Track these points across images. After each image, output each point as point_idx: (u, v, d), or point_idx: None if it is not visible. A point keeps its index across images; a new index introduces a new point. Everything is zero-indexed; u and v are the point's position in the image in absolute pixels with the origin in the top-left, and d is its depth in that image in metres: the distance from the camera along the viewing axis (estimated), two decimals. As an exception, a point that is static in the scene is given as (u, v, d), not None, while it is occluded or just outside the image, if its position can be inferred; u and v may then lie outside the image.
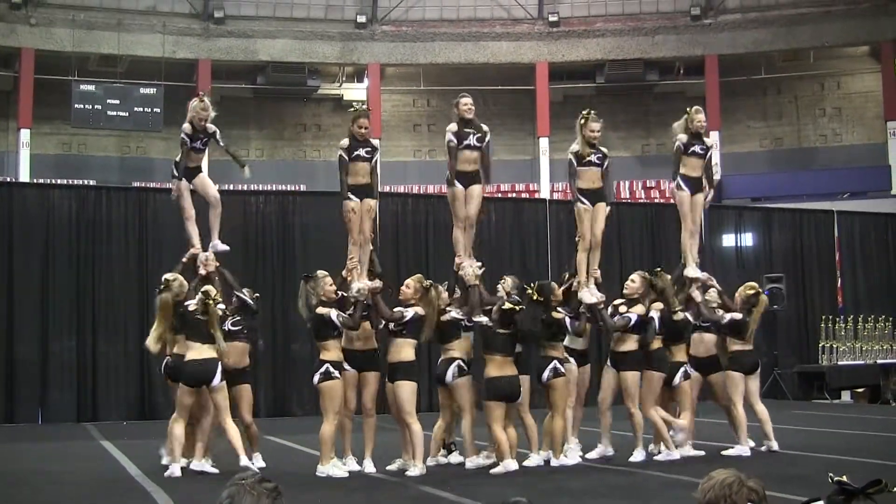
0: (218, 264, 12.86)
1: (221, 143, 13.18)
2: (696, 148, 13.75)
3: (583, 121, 13.27)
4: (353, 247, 12.19)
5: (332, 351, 11.42)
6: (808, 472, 10.48)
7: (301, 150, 45.14)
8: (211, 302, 11.48)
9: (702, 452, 12.69)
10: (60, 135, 41.13)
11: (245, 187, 33.15)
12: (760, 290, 13.89)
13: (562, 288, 12.91)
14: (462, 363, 11.84)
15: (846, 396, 23.69)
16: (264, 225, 22.16)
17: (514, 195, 41.12)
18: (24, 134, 38.94)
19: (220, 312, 11.67)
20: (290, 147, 45.06)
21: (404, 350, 11.56)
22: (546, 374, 11.90)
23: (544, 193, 40.93)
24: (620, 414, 12.82)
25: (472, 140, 13.38)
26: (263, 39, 41.66)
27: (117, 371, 20.53)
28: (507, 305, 11.51)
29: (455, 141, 13.38)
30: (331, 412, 11.28)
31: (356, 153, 12.36)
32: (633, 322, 12.54)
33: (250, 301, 12.83)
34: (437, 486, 10.49)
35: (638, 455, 12.26)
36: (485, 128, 13.59)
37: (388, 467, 11.75)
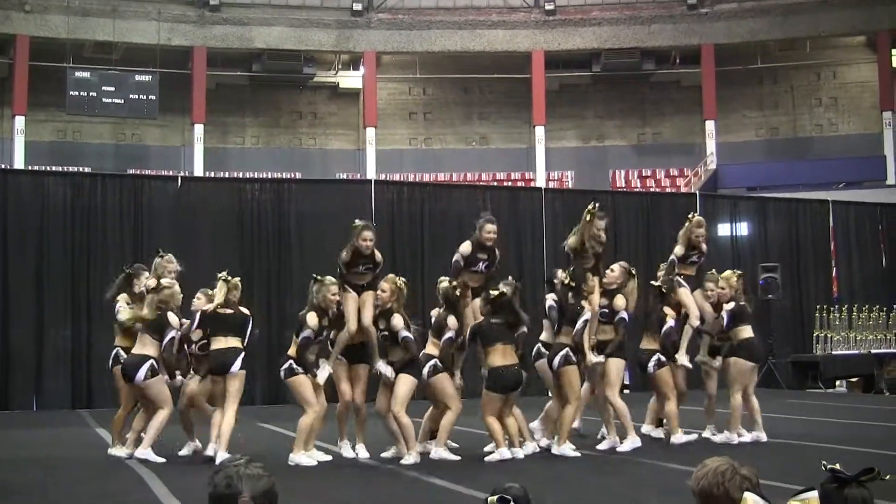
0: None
1: None
2: (693, 258, 13.53)
3: (589, 217, 12.54)
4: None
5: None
6: (802, 461, 10.50)
7: (297, 138, 45.13)
8: (231, 289, 11.56)
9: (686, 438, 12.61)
10: (55, 122, 41.12)
11: (241, 174, 33.14)
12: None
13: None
14: (438, 362, 11.77)
15: (840, 386, 23.72)
16: (259, 212, 22.13)
17: (509, 183, 41.15)
18: (19, 121, 38.94)
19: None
20: (286, 134, 45.06)
21: (395, 352, 11.52)
22: (557, 360, 11.86)
23: (540, 182, 40.99)
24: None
25: (480, 266, 12.24)
26: (259, 27, 41.63)
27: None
28: (493, 293, 11.49)
29: (462, 263, 12.23)
30: (308, 403, 11.29)
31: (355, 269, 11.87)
32: (627, 321, 12.54)
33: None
34: (431, 473, 10.50)
35: (630, 444, 12.21)
36: (497, 253, 12.48)
37: (383, 454, 11.75)
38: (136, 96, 39.23)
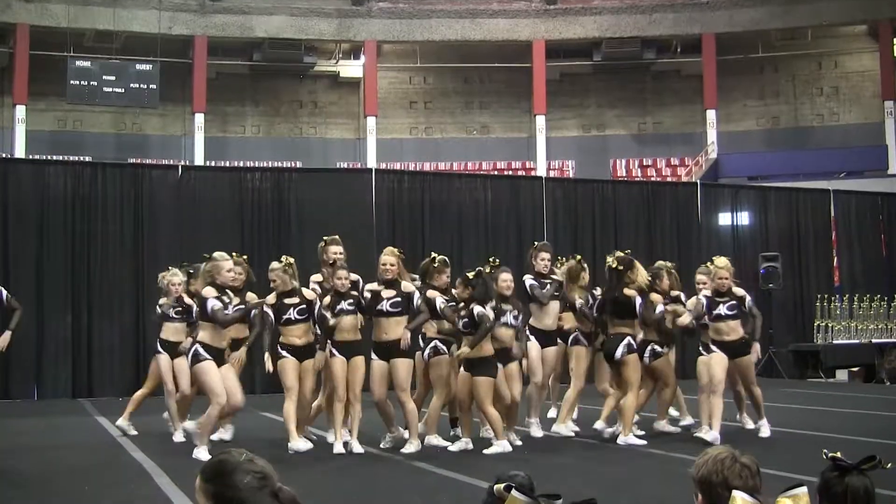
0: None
1: None
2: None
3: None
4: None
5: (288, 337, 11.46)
6: (803, 450, 10.50)
7: (297, 127, 45.10)
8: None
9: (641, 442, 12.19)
10: (56, 111, 41.09)
11: (241, 164, 33.13)
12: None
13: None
14: (439, 343, 11.79)
15: (841, 375, 23.72)
16: (260, 201, 22.12)
17: (510, 173, 41.12)
18: (20, 110, 38.92)
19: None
20: (287, 124, 45.02)
21: (399, 328, 11.42)
22: (620, 350, 11.86)
23: (541, 171, 40.97)
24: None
25: (509, 318, 11.76)
26: (260, 16, 41.57)
27: (112, 347, 20.53)
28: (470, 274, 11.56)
29: (490, 321, 11.36)
30: (287, 390, 11.40)
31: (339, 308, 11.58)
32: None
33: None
34: (433, 462, 10.51)
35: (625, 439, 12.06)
36: (520, 305, 12.09)
37: (382, 444, 11.74)
38: (137, 85, 39.18)
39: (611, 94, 45.84)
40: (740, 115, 45.30)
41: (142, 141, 41.95)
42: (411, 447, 11.26)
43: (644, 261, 13.10)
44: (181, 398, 12.64)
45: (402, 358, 11.39)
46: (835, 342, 23.88)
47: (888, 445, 10.94)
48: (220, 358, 11.05)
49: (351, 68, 44.97)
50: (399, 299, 11.39)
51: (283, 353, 11.34)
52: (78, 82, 38.56)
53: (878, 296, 24.49)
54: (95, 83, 38.62)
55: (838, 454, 3.61)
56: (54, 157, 33.05)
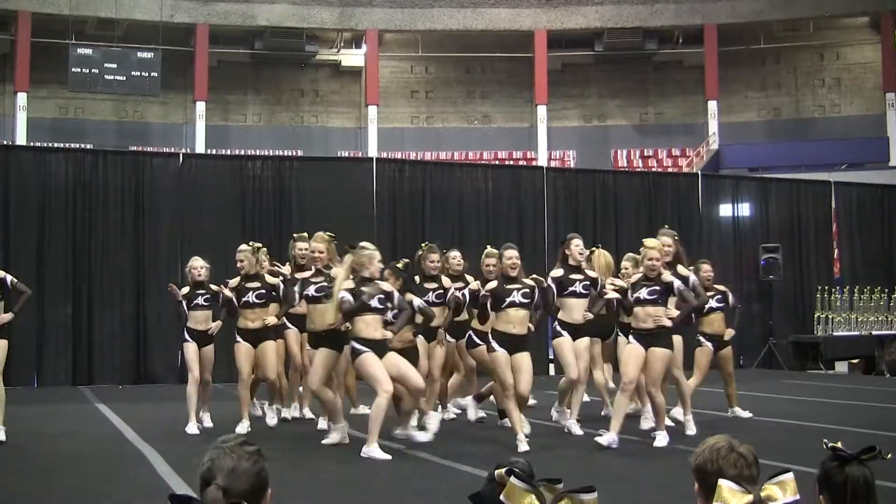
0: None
1: None
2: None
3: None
4: None
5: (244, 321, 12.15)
6: (803, 441, 10.50)
7: (298, 116, 45.07)
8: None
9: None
10: (57, 98, 41.07)
11: (242, 152, 33.11)
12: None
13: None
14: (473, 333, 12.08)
15: (841, 367, 23.72)
16: (261, 190, 22.10)
17: (511, 162, 41.09)
18: (21, 97, 38.89)
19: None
20: (288, 112, 44.99)
21: (329, 316, 11.07)
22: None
23: (542, 161, 40.96)
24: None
25: (516, 297, 10.88)
26: (261, 4, 41.52)
27: (113, 335, 20.52)
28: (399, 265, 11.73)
29: (492, 299, 10.91)
30: (239, 374, 12.15)
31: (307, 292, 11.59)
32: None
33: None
34: (427, 451, 10.51)
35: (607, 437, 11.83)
36: (530, 282, 11.08)
37: (395, 433, 11.58)
38: (139, 73, 39.15)
39: (612, 85, 45.81)
40: (742, 106, 45.28)
41: (143, 129, 41.94)
42: (335, 436, 11.13)
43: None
44: (202, 387, 12.60)
45: (329, 349, 11.07)
46: (835, 334, 23.87)
47: (888, 437, 10.94)
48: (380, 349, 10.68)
49: (352, 57, 44.94)
50: (326, 285, 11.10)
51: (238, 337, 11.89)
52: (79, 70, 38.53)
53: (879, 288, 24.47)
54: (97, 71, 38.60)
55: (838, 444, 3.62)
56: (55, 145, 33.04)
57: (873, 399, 16.83)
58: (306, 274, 11.78)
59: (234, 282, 12.08)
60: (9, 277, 11.41)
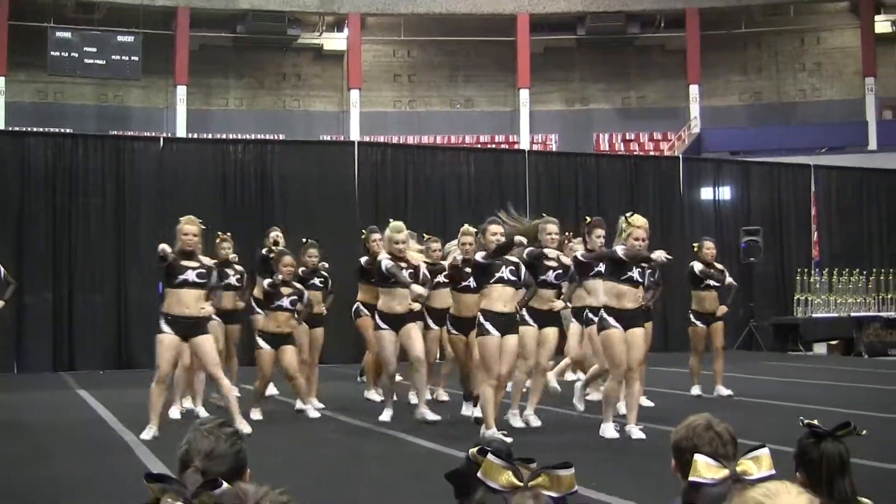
0: None
1: None
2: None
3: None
4: None
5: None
6: (781, 421, 10.54)
7: (280, 100, 44.94)
8: None
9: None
10: (36, 82, 40.87)
11: (224, 136, 33.03)
12: None
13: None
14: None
15: (819, 349, 23.83)
16: (243, 174, 22.07)
17: (493, 146, 41.06)
18: (0, 81, 38.65)
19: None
20: (270, 96, 44.85)
21: (201, 302, 10.98)
22: None
23: (524, 144, 40.94)
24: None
25: (505, 273, 10.38)
26: (243, -13, 41.35)
27: (94, 321, 20.47)
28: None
29: (483, 276, 10.42)
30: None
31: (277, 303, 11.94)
32: None
33: None
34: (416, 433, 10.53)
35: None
36: (514, 258, 10.61)
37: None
38: (119, 57, 38.98)
39: (594, 69, 45.81)
40: (723, 90, 45.35)
41: (124, 113, 41.78)
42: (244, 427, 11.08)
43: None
44: (183, 373, 12.49)
45: (203, 335, 10.88)
46: (814, 316, 24.00)
47: (865, 416, 10.99)
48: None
49: (335, 41, 44.84)
50: (203, 271, 10.83)
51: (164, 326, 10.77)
52: (59, 53, 38.36)
53: (857, 270, 24.58)
54: (77, 55, 38.43)
55: (815, 422, 3.65)
56: (35, 129, 32.90)
57: (851, 379, 16.93)
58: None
59: (166, 247, 11.85)
60: (2, 269, 11.43)
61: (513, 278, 10.35)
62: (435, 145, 35.91)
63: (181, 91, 40.85)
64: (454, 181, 23.58)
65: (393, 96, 45.70)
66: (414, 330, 11.58)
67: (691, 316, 14.20)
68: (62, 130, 32.86)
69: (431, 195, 23.20)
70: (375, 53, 45.45)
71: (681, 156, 30.46)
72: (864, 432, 3.72)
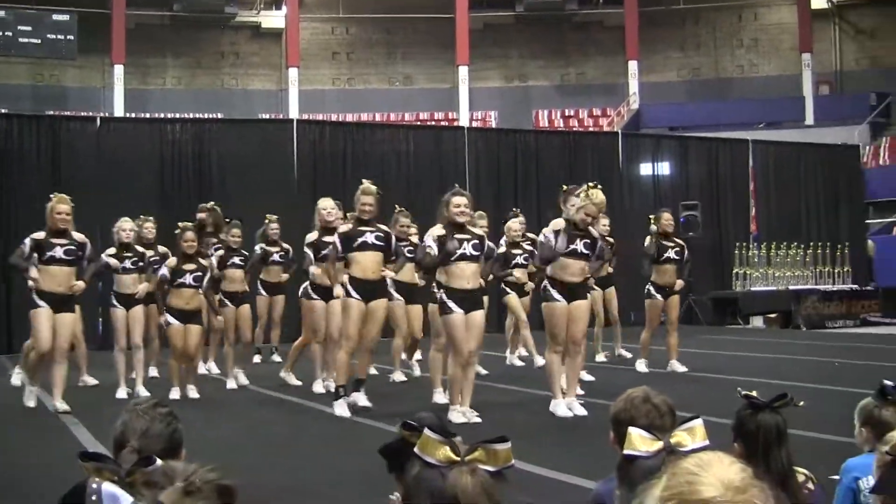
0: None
1: None
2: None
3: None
4: None
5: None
6: (720, 393, 10.62)
7: (219, 79, 44.59)
8: None
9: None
10: (-30, 62, 40.22)
11: (161, 115, 32.72)
12: None
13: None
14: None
15: (757, 322, 24.08)
16: (180, 153, 21.94)
17: (433, 123, 40.98)
18: (-68, 61, 38.04)
19: None
20: (208, 75, 44.48)
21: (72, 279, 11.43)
22: None
23: (463, 121, 40.90)
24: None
25: (467, 248, 10.04)
26: (180, -35, 40.92)
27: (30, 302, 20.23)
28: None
29: (435, 250, 9.98)
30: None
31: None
32: None
33: None
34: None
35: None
36: (479, 231, 10.35)
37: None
38: (54, 36, 38.50)
39: (533, 45, 45.82)
40: (662, 66, 45.54)
41: (60, 93, 41.27)
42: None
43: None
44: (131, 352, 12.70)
45: (67, 313, 11.37)
46: (753, 289, 24.23)
47: (802, 388, 11.10)
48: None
49: (273, 19, 44.55)
50: (73, 248, 11.29)
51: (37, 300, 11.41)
52: (-7, 32, 37.86)
53: (795, 244, 24.85)
54: (11, 33, 37.90)
55: (753, 393, 3.68)
56: (-31, 110, 32.43)
57: (790, 352, 17.12)
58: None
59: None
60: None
61: (475, 253, 10.04)
62: (374, 123, 35.84)
63: (118, 70, 40.40)
64: (393, 159, 23.57)
65: (331, 74, 45.50)
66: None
67: (651, 288, 14.28)
68: (-3, 111, 32.47)
69: (371, 173, 22.82)
70: (314, 31, 45.20)
71: (620, 131, 30.55)
72: (802, 403, 3.76)
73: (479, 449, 2.42)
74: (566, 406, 10.23)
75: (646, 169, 26.37)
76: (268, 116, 38.54)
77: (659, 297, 14.19)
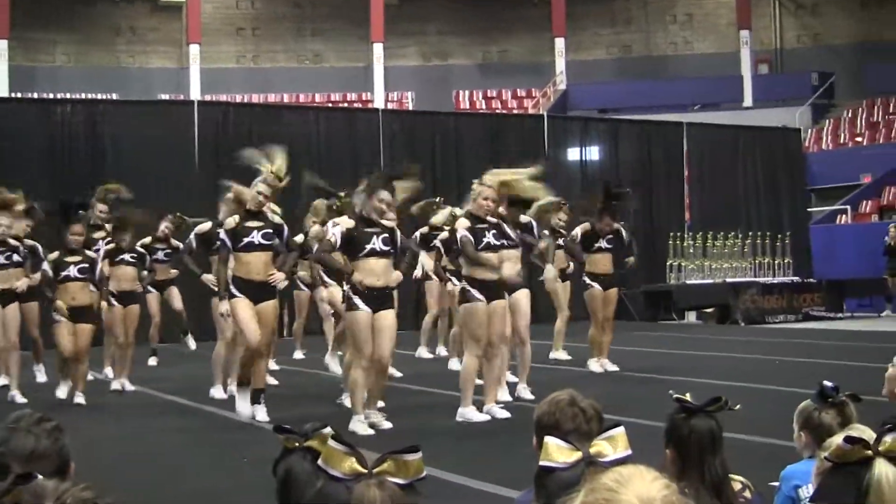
0: None
1: None
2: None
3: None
4: None
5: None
6: (651, 395, 10.68)
7: (114, 56, 44.09)
8: None
9: None
10: None
11: (50, 95, 32.30)
12: None
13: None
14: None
15: (690, 317, 24.23)
16: (71, 135, 21.65)
17: (345, 105, 40.88)
18: None
19: None
20: (102, 52, 43.97)
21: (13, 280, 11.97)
22: None
23: (378, 103, 40.77)
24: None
25: (377, 243, 9.80)
26: (70, -67, 40.39)
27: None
28: None
29: (337, 239, 9.77)
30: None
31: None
32: None
33: None
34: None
35: None
36: (389, 223, 10.00)
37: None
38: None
39: (453, 21, 45.80)
40: (590, 43, 45.75)
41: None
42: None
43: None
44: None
45: (26, 304, 11.88)
46: (688, 282, 24.27)
47: (740, 387, 11.20)
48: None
49: (172, -8, 44.20)
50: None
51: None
52: None
53: (733, 233, 24.90)
54: None
55: (686, 396, 3.66)
56: None
57: (727, 349, 17.25)
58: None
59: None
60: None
61: (385, 248, 9.79)
62: (281, 104, 35.67)
63: (1, 45, 39.78)
64: (303, 142, 23.41)
65: (236, 51, 45.16)
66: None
67: (586, 279, 14.29)
68: None
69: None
70: (216, 5, 44.84)
71: (545, 114, 30.70)
72: (738, 407, 3.75)
73: (388, 460, 2.38)
74: (485, 410, 10.20)
75: (573, 154, 26.47)
76: (167, 97, 38.18)
77: (595, 285, 14.19)
